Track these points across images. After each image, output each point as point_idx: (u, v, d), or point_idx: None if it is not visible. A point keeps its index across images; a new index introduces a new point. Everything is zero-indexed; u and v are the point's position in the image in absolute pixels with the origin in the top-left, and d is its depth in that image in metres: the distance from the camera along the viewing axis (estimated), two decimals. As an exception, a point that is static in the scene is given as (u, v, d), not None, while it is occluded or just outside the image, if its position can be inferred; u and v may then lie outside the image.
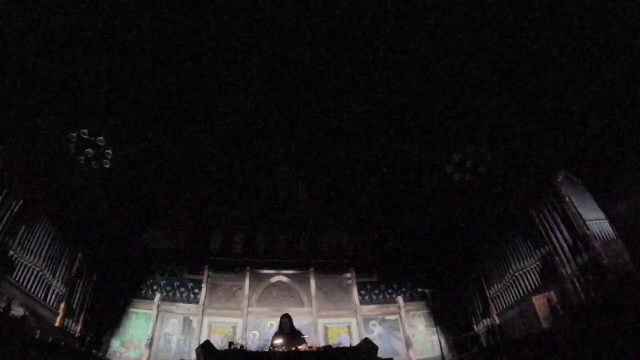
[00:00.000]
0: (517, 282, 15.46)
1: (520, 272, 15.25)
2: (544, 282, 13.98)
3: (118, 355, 16.16)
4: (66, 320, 14.07)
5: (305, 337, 12.55)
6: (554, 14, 9.95)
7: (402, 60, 12.17)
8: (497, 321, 16.54)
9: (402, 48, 11.75)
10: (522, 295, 15.08)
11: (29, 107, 11.13)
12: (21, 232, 12.03)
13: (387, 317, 18.74)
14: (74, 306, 14.84)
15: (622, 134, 11.40)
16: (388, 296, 19.51)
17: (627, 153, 11.43)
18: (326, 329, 18.08)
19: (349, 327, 18.25)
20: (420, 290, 17.89)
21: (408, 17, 10.84)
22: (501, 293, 16.49)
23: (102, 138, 12.34)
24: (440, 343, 14.57)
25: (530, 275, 14.84)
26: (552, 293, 13.17)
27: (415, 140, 14.77)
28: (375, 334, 18.06)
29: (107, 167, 12.79)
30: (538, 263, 14.37)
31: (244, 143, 17.04)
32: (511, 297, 15.82)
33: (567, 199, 12.79)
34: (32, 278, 12.51)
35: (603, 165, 12.11)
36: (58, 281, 14.02)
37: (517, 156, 13.69)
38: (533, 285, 14.64)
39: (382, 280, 19.98)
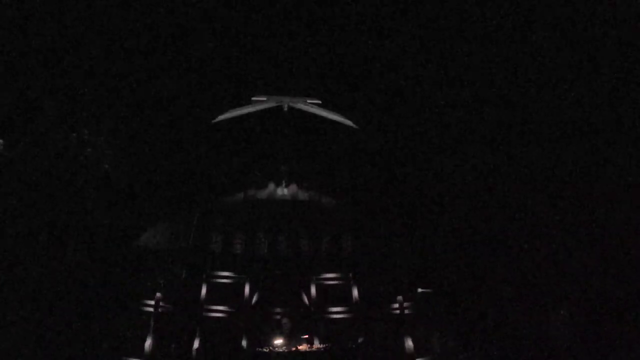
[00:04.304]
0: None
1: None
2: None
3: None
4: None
5: (305, 337, 12.54)
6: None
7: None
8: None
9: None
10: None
11: (30, 105, 11.14)
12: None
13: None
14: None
15: None
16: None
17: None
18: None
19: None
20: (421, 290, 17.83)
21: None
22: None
23: (101, 138, 12.34)
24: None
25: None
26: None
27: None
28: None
29: (107, 167, 12.79)
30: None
31: (243, 143, 17.06)
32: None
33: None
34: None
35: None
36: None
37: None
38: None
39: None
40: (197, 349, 15.70)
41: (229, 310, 17.97)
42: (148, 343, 16.33)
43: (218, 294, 18.53)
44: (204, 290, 18.18)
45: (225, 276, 18.88)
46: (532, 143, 13.27)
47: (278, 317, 16.77)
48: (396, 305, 18.72)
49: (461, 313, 18.87)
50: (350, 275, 19.63)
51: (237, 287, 18.77)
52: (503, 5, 10.09)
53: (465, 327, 18.37)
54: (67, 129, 12.05)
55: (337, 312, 18.61)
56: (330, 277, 19.36)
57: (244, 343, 15.54)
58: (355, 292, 19.03)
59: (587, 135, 12.41)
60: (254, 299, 18.34)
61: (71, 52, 11.02)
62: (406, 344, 17.78)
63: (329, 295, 19.17)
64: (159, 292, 17.76)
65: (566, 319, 12.44)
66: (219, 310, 17.99)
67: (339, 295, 19.21)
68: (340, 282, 19.28)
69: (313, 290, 18.80)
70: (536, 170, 13.82)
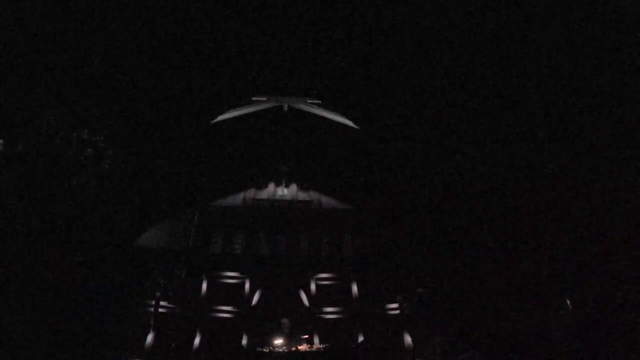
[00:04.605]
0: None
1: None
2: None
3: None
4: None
5: (305, 337, 12.54)
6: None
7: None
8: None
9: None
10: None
11: (30, 105, 11.14)
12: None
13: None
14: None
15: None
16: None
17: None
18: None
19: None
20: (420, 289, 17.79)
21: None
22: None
23: (101, 138, 12.34)
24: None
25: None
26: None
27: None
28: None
29: (107, 166, 12.78)
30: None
31: (242, 142, 17.06)
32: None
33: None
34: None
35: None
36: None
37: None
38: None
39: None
40: (197, 349, 15.71)
41: (229, 310, 17.98)
42: (148, 342, 16.35)
43: (218, 294, 18.54)
44: (204, 290, 18.19)
45: (225, 276, 18.89)
46: (532, 143, 13.27)
47: (278, 317, 16.76)
48: (396, 305, 18.75)
49: (461, 313, 18.84)
50: (350, 275, 19.66)
51: (237, 287, 18.80)
52: (503, 6, 10.08)
53: (465, 327, 18.34)
54: (67, 129, 12.04)
55: (336, 312, 18.65)
56: (330, 277, 19.38)
57: (244, 343, 15.53)
58: (355, 292, 19.06)
59: (586, 136, 12.40)
60: (254, 299, 18.34)
61: (71, 53, 11.02)
62: (405, 342, 17.79)
63: (328, 296, 19.18)
64: (159, 292, 17.77)
65: (566, 319, 12.43)
66: (219, 310, 18.01)
67: (338, 295, 19.22)
68: (340, 282, 19.30)
69: (313, 289, 18.83)
70: (536, 170, 13.82)
